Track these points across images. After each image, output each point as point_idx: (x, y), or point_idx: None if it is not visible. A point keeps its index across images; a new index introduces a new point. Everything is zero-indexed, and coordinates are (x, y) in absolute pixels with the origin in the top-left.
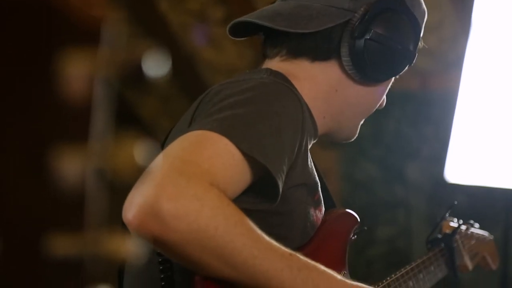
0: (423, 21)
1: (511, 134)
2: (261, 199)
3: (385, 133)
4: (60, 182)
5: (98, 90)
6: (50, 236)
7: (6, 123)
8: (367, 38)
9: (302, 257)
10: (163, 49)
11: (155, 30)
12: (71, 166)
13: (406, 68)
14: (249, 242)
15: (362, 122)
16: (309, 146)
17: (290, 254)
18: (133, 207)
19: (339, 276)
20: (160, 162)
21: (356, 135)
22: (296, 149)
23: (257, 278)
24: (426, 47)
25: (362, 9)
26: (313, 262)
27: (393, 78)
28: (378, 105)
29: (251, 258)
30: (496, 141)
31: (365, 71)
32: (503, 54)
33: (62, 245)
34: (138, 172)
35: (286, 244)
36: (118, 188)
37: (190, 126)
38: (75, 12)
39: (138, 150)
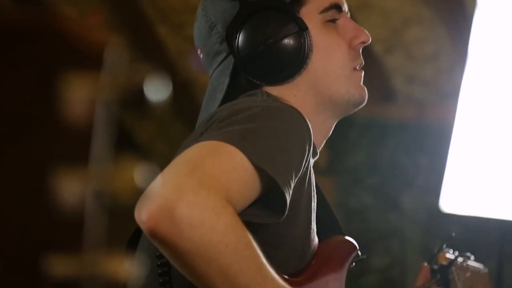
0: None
1: (506, 165)
2: (267, 212)
3: (380, 162)
4: (60, 203)
5: (99, 114)
6: (49, 257)
7: (8, 144)
8: (254, 51)
9: None
10: (161, 74)
11: (153, 55)
12: (71, 188)
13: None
14: (254, 267)
15: (356, 65)
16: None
17: None
18: (149, 207)
19: None
20: (179, 165)
21: (363, 93)
22: (303, 166)
23: None
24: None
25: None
26: None
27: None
28: (347, 43)
29: (254, 284)
30: (492, 172)
31: (280, 68)
32: (500, 86)
33: (61, 266)
34: (137, 195)
35: (282, 269)
36: (117, 211)
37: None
38: (78, 37)
39: (137, 173)
